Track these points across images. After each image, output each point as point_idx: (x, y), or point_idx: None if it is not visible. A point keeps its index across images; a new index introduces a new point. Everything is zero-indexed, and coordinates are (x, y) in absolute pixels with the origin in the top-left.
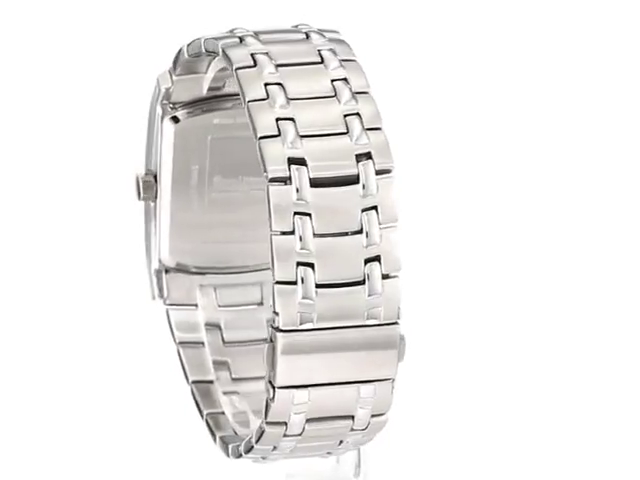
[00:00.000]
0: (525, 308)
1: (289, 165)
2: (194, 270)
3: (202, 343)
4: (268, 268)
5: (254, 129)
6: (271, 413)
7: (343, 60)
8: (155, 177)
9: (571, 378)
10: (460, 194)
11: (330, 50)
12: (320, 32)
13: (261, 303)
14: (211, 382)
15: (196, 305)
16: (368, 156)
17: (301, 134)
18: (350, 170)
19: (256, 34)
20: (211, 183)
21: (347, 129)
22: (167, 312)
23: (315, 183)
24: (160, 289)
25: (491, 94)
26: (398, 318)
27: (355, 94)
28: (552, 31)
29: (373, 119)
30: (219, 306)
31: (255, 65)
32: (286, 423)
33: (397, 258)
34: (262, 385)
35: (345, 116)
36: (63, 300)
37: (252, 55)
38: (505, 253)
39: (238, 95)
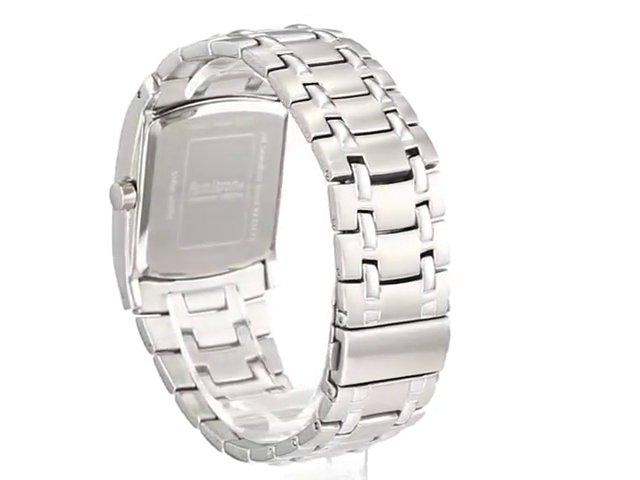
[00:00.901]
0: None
1: (350, 163)
2: (164, 277)
3: (179, 350)
4: (228, 271)
5: (305, 129)
6: (331, 412)
7: (364, 58)
8: (135, 185)
9: (585, 379)
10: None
11: (348, 49)
12: (327, 31)
13: (225, 307)
14: (195, 388)
15: (168, 312)
16: (416, 151)
17: (352, 132)
18: (404, 166)
19: (269, 35)
20: (187, 188)
21: (390, 125)
22: (140, 321)
23: (374, 180)
24: (135, 298)
25: (490, 93)
26: (447, 311)
27: (386, 91)
28: (554, 29)
29: (410, 114)
30: (189, 312)
31: (286, 66)
32: (341, 422)
33: (447, 252)
34: (244, 388)
35: (385, 112)
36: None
37: (279, 56)
38: (507, 248)
39: (219, 97)
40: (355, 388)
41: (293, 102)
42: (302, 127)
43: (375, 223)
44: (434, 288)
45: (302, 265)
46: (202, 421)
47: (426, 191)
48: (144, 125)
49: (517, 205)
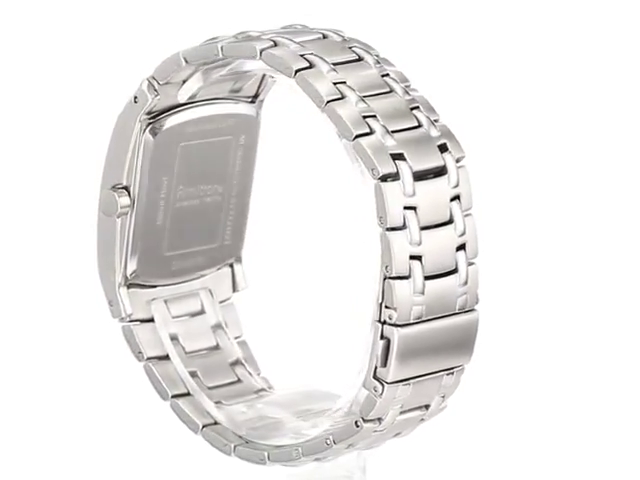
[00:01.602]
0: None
1: (394, 160)
2: (149, 283)
3: (167, 356)
4: (203, 275)
5: (345, 128)
6: (375, 410)
7: (375, 56)
8: (128, 191)
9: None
10: None
11: (359, 47)
12: (330, 31)
13: (203, 311)
14: (189, 394)
15: (153, 319)
16: (445, 147)
17: (388, 129)
18: (439, 162)
19: (281, 35)
20: (175, 193)
21: (418, 122)
22: (128, 329)
23: (416, 176)
24: (125, 305)
25: (486, 91)
26: (477, 304)
27: (405, 87)
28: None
29: (431, 111)
30: (173, 318)
31: (312, 65)
32: (381, 419)
33: (477, 245)
34: (235, 391)
35: (411, 109)
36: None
37: (302, 56)
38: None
39: (205, 101)
40: (400, 384)
41: (328, 101)
42: (340, 126)
43: (418, 219)
44: (467, 282)
45: (266, 268)
46: (204, 426)
47: (457, 186)
48: (140, 130)
49: (518, 203)
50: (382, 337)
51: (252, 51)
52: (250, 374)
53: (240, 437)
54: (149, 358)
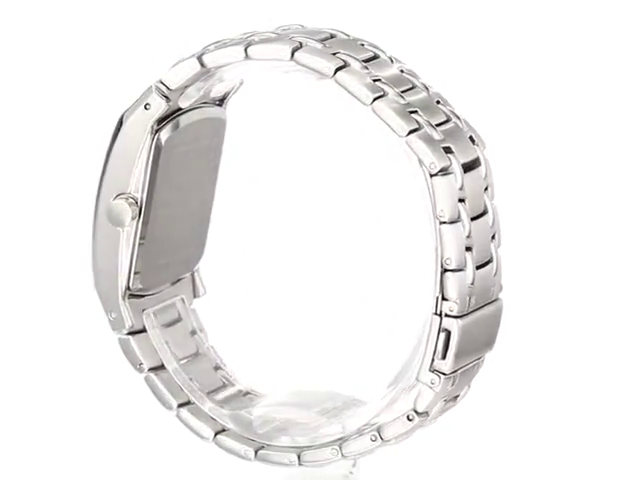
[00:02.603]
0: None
1: (447, 154)
2: (141, 293)
3: (163, 366)
4: (176, 282)
5: (399, 125)
6: (430, 402)
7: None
8: (135, 200)
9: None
10: None
11: (369, 45)
12: (336, 30)
13: (180, 318)
14: (191, 402)
15: (145, 329)
16: (473, 139)
17: (431, 123)
18: (475, 154)
19: (299, 34)
20: (169, 200)
21: (446, 115)
22: (127, 342)
23: (464, 169)
24: (129, 317)
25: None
26: (500, 292)
27: (422, 83)
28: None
29: (449, 104)
30: (162, 326)
31: (346, 64)
32: (428, 412)
33: (501, 234)
34: (230, 394)
35: (436, 103)
36: None
37: (334, 55)
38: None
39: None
40: (452, 375)
41: (375, 99)
42: (392, 122)
43: (467, 211)
44: (497, 271)
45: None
46: (217, 433)
47: (486, 177)
48: (149, 137)
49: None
50: (443, 329)
51: (283, 52)
52: (232, 377)
53: (255, 441)
54: (151, 369)
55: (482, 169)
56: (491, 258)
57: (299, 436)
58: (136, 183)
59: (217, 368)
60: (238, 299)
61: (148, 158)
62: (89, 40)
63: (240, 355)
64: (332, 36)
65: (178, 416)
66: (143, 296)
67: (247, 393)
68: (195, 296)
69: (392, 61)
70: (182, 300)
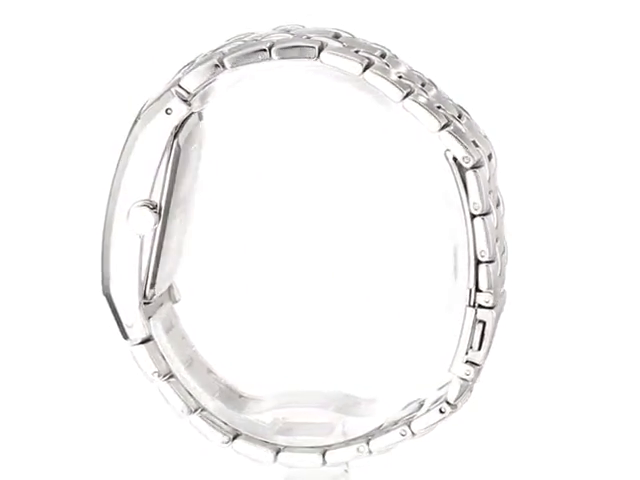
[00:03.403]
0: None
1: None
2: (147, 301)
3: (171, 373)
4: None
5: (431, 121)
6: (463, 395)
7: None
8: (155, 206)
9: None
10: None
11: (372, 44)
12: (341, 30)
13: (173, 324)
14: (202, 408)
15: (152, 337)
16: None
17: (455, 117)
18: (489, 146)
19: (313, 34)
20: (178, 207)
21: (458, 110)
22: (142, 351)
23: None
24: (145, 326)
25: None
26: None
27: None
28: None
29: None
30: (164, 333)
31: (371, 62)
32: (457, 405)
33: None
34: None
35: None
36: None
37: (356, 52)
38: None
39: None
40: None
41: (406, 95)
42: (424, 119)
43: (494, 202)
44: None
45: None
46: (234, 438)
47: (493, 176)
48: (170, 141)
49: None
50: (479, 321)
51: (310, 51)
52: (223, 379)
53: (273, 444)
54: (165, 375)
55: (489, 167)
56: (505, 248)
57: (319, 435)
58: (154, 189)
59: (209, 371)
60: (236, 300)
61: (168, 163)
62: (90, 42)
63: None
64: (337, 35)
65: (192, 423)
66: (147, 304)
67: (241, 395)
68: (174, 301)
69: (396, 57)
70: (171, 306)
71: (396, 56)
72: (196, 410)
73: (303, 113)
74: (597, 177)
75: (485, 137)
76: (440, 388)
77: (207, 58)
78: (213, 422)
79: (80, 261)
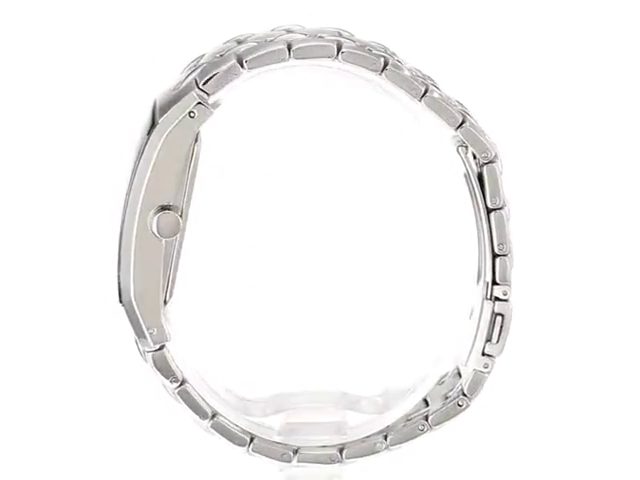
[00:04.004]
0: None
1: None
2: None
3: (185, 378)
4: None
5: (452, 116)
6: (482, 387)
7: None
8: (179, 210)
9: None
10: None
11: (375, 42)
12: (341, 30)
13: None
14: (219, 413)
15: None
16: None
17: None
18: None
19: (330, 33)
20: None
21: (460, 105)
22: (162, 356)
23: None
24: (168, 330)
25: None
26: None
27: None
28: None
29: None
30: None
31: (388, 61)
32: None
33: None
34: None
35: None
36: None
37: (371, 52)
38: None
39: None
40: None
41: (425, 92)
42: (445, 115)
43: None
44: None
45: None
46: (251, 441)
47: None
48: (194, 145)
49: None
50: (498, 314)
51: (330, 50)
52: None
53: (290, 445)
54: (184, 380)
55: None
56: (510, 250)
57: (333, 434)
58: (177, 193)
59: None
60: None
61: (190, 166)
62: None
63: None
64: (340, 35)
65: (208, 428)
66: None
67: (243, 399)
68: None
69: (397, 56)
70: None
71: (397, 54)
72: (212, 416)
73: (318, 112)
74: (596, 177)
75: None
76: (440, 383)
77: (224, 59)
78: (228, 427)
79: (84, 269)
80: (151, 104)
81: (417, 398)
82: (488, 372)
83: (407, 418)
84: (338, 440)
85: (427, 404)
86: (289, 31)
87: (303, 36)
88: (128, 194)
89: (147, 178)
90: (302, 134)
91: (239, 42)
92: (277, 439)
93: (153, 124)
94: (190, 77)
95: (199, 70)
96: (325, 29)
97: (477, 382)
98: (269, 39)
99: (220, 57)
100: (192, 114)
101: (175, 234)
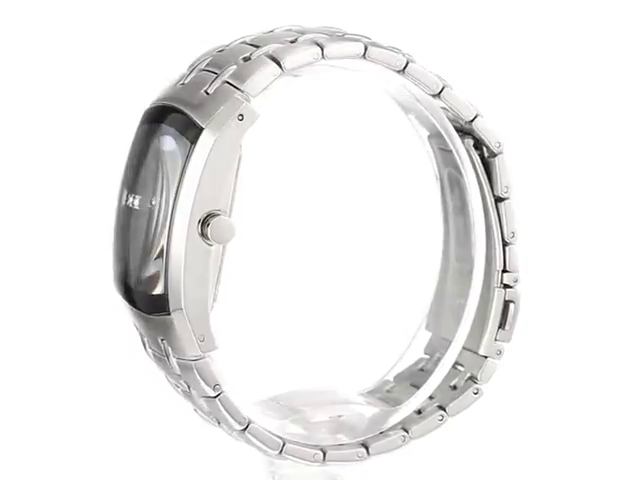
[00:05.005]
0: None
1: None
2: None
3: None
4: None
5: (467, 109)
6: (494, 373)
7: None
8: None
9: None
10: None
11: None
12: (337, 29)
13: None
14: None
15: None
16: None
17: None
18: None
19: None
20: None
21: None
22: (205, 364)
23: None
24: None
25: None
26: None
27: None
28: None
29: None
30: None
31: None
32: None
33: None
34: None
35: None
36: None
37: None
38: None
39: None
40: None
41: (443, 88)
42: (460, 108)
43: None
44: None
45: None
46: (284, 444)
47: None
48: (240, 148)
49: None
50: (510, 301)
51: (358, 49)
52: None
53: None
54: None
55: None
56: None
57: (355, 430)
58: (225, 198)
59: None
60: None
61: (237, 170)
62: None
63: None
64: (344, 34)
65: (249, 432)
66: None
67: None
68: None
69: None
70: None
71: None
72: (248, 424)
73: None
74: (596, 177)
75: None
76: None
77: (259, 61)
78: (263, 432)
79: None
80: (152, 108)
81: (429, 390)
82: (501, 357)
83: (418, 410)
84: (363, 435)
85: (431, 396)
86: (302, 32)
87: (326, 36)
88: (175, 201)
89: (198, 185)
90: (326, 136)
91: (254, 45)
92: (305, 441)
93: (200, 129)
94: (217, 80)
95: (230, 72)
96: (327, 28)
97: (491, 369)
98: (288, 39)
99: (248, 59)
100: (240, 117)
101: (230, 239)
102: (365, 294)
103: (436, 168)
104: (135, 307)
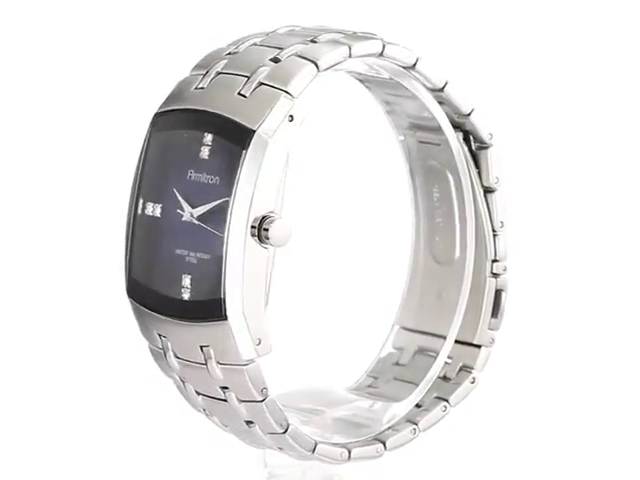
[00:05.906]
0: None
1: None
2: None
3: None
4: None
5: (466, 104)
6: (488, 361)
7: None
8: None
9: None
10: None
11: None
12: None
13: None
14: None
15: None
16: None
17: None
18: None
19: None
20: None
21: None
22: (257, 368)
23: None
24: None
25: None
26: None
27: None
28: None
29: None
30: None
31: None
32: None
33: None
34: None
35: None
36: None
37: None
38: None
39: None
40: None
41: (446, 83)
42: (460, 103)
43: None
44: None
45: None
46: (317, 444)
47: None
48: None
49: None
50: (500, 289)
51: (378, 47)
52: None
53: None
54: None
55: None
56: None
57: (367, 427)
58: (276, 199)
59: None
60: None
61: (286, 171)
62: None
63: None
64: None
65: (289, 435)
66: None
67: None
68: None
69: None
70: None
71: None
72: (287, 426)
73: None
74: (596, 177)
75: None
76: None
77: (295, 62)
78: (299, 434)
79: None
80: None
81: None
82: (494, 345)
83: (417, 404)
84: (377, 430)
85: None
86: (318, 31)
87: (342, 34)
88: (232, 205)
89: (254, 189)
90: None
91: (271, 46)
92: (332, 440)
93: (252, 132)
94: (249, 82)
95: (264, 74)
96: (330, 28)
97: (485, 357)
98: (307, 39)
99: (277, 60)
100: (291, 118)
101: (288, 241)
102: (337, 291)
103: (410, 162)
104: (167, 315)
